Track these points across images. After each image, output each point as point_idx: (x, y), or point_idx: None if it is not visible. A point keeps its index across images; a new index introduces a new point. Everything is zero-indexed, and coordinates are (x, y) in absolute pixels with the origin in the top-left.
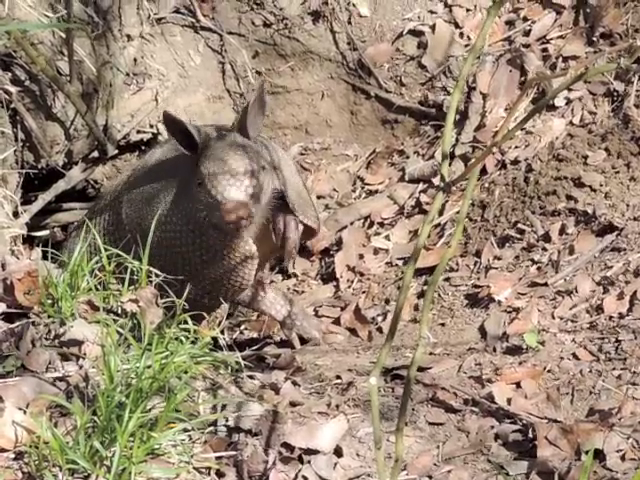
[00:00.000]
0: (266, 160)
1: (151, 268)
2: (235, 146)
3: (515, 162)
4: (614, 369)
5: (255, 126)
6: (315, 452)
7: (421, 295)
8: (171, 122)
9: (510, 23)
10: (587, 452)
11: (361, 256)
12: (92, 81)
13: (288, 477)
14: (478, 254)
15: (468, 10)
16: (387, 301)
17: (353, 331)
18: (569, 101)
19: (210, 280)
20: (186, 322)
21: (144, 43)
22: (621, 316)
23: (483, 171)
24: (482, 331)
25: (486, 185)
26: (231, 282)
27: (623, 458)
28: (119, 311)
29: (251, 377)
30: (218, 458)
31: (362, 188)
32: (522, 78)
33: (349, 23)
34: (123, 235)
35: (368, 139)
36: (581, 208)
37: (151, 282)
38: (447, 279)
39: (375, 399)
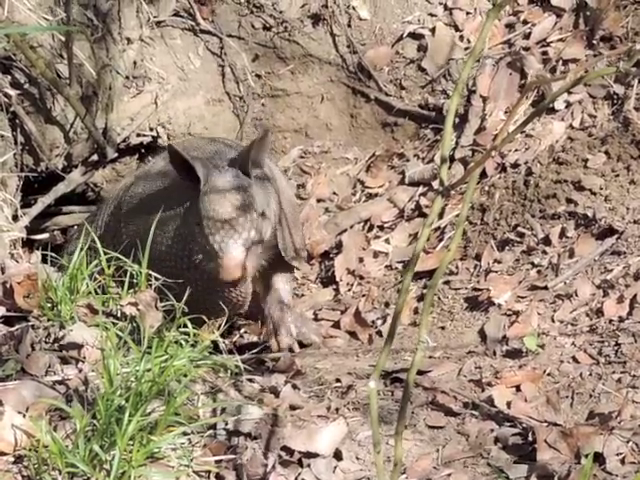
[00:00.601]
0: (265, 204)
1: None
2: (235, 191)
3: (515, 165)
4: (614, 372)
5: (256, 164)
6: (315, 455)
7: (421, 298)
8: (174, 155)
9: (510, 26)
10: (587, 455)
11: (361, 259)
12: (92, 84)
13: None
14: (478, 257)
15: (468, 13)
16: (387, 304)
17: (353, 334)
18: (569, 104)
19: (205, 302)
20: (186, 325)
21: (144, 46)
22: (621, 319)
23: (483, 174)
24: (482, 334)
25: (486, 188)
26: (225, 304)
27: (623, 461)
28: (119, 314)
29: (251, 380)
30: (218, 462)
31: (362, 191)
32: (522, 81)
33: (349, 26)
34: (121, 242)
35: (368, 142)
36: (581, 211)
37: (150, 286)
38: (447, 282)
39: (374, 403)
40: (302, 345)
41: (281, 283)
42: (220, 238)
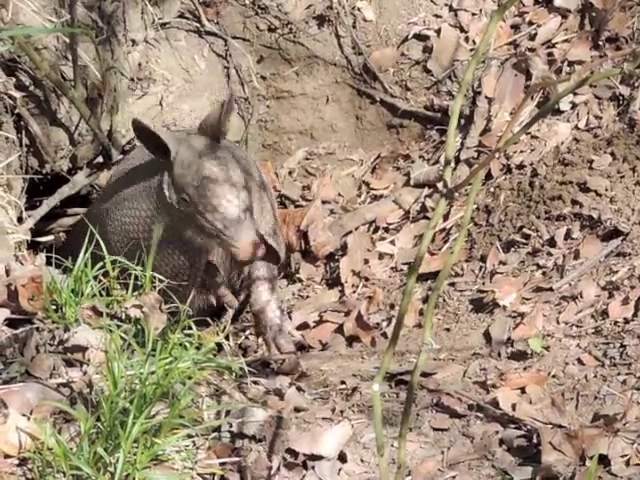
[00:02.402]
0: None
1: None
2: (213, 153)
3: (520, 166)
4: (619, 374)
5: (221, 133)
6: (319, 458)
7: (426, 300)
8: (140, 130)
9: (515, 27)
10: (592, 457)
11: (366, 261)
12: (96, 86)
13: None
14: (483, 259)
15: (473, 14)
16: (392, 306)
17: (356, 338)
18: (574, 105)
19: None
20: (190, 328)
21: (149, 48)
22: (626, 321)
23: (488, 175)
24: (487, 336)
25: (491, 190)
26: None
27: (628, 463)
28: (123, 317)
29: (255, 383)
30: (222, 464)
31: (367, 193)
32: (527, 82)
33: (354, 27)
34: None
35: (373, 144)
36: (586, 213)
37: (155, 288)
38: (452, 284)
39: (378, 406)
40: (302, 347)
41: (265, 284)
42: (221, 217)
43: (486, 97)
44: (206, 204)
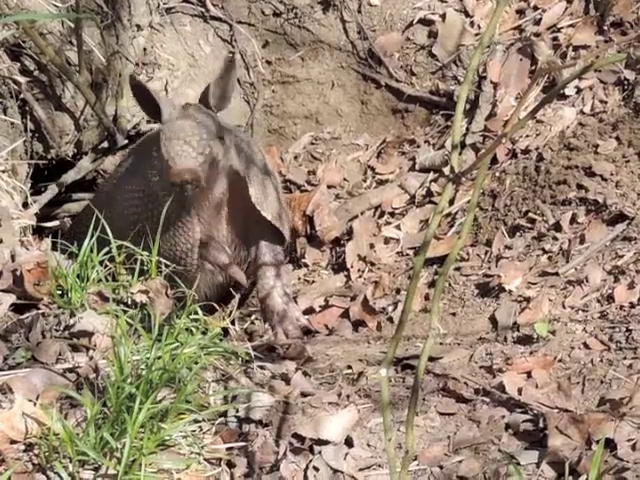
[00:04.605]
0: (224, 133)
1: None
2: (194, 115)
3: (526, 151)
4: (625, 358)
5: (217, 97)
6: (326, 443)
7: (432, 285)
8: (138, 88)
9: (520, 12)
10: (598, 441)
11: (372, 246)
12: (101, 71)
13: (299, 468)
14: (489, 243)
15: None
16: (398, 291)
17: (362, 323)
18: (580, 90)
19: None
20: (196, 313)
21: (154, 33)
22: (632, 305)
23: (494, 160)
24: (493, 321)
25: (497, 174)
26: (176, 255)
27: (634, 447)
28: (129, 302)
29: (261, 368)
30: (229, 449)
31: (373, 178)
32: (533, 67)
33: (359, 12)
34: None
35: (379, 128)
36: (592, 197)
37: (161, 273)
38: (458, 269)
39: (385, 391)
40: (308, 332)
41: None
42: (174, 152)
43: (491, 82)
44: (169, 149)
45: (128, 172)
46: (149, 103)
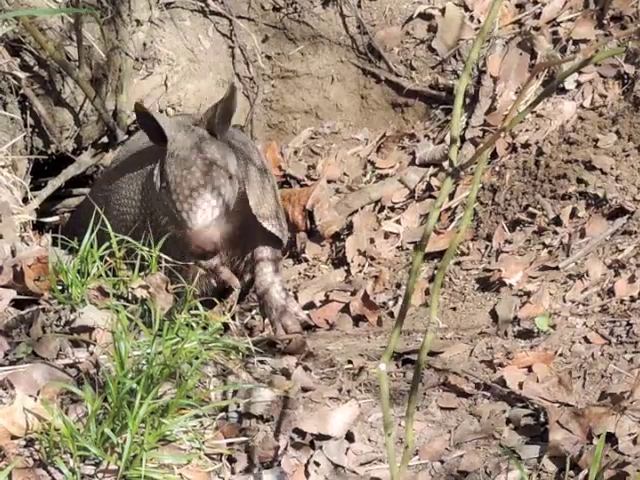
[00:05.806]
0: (232, 165)
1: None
2: (202, 155)
3: (526, 145)
4: (626, 352)
5: (222, 126)
6: (326, 437)
7: (432, 279)
8: (142, 115)
9: (520, 6)
10: (599, 436)
11: (372, 240)
12: (101, 66)
13: (300, 463)
14: (489, 238)
15: None
16: (398, 285)
17: (362, 318)
18: (579, 84)
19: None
20: (197, 308)
21: (153, 28)
22: (632, 299)
23: (494, 155)
24: (493, 315)
25: (497, 169)
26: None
27: (635, 442)
28: (129, 297)
29: (262, 362)
30: (229, 444)
31: (372, 172)
32: (532, 61)
33: (359, 7)
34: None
35: (378, 123)
36: (592, 191)
37: (161, 268)
38: (458, 263)
39: (385, 386)
40: (308, 327)
41: (269, 265)
42: (188, 207)
43: (491, 76)
44: (182, 201)
45: (124, 176)
46: (155, 129)
